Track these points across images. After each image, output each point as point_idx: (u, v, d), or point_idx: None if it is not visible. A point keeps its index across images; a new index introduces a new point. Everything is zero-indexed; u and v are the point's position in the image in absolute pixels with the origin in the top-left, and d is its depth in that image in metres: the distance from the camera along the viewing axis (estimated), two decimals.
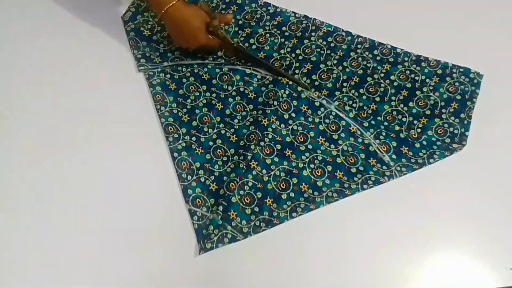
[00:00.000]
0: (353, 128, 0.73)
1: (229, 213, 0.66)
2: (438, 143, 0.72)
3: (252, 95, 0.77)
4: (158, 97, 0.76)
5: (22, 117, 0.75)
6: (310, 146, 0.72)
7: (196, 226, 0.65)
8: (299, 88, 0.76)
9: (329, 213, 0.68)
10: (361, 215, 0.68)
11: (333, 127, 0.73)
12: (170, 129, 0.73)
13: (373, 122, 0.74)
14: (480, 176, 0.70)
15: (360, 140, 0.72)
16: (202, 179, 0.69)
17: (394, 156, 0.71)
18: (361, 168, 0.70)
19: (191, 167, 0.70)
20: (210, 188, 0.69)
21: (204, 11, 0.76)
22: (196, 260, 0.64)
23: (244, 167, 0.69)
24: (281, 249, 0.65)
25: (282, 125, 0.73)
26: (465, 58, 0.78)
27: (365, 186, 0.69)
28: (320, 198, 0.67)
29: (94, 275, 0.63)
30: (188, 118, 0.75)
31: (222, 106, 0.76)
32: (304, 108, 0.75)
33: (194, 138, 0.73)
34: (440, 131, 0.73)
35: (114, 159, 0.71)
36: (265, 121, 0.73)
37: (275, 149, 0.71)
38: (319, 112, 0.74)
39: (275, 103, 0.74)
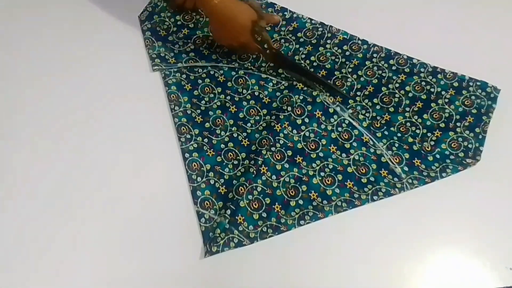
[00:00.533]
0: (365, 138, 0.72)
1: (236, 217, 0.65)
2: (452, 157, 0.71)
3: (266, 99, 0.76)
4: (173, 96, 0.76)
5: (34, 115, 0.76)
6: (321, 154, 0.71)
7: (203, 229, 0.65)
8: (314, 93, 0.75)
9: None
10: (361, 215, 0.68)
11: (345, 135, 0.73)
12: (183, 129, 0.73)
13: (386, 132, 0.73)
14: (481, 177, 0.70)
15: (372, 150, 0.72)
16: (212, 181, 0.69)
17: (406, 168, 0.70)
18: (372, 179, 0.69)
19: (202, 168, 0.70)
20: (219, 191, 0.68)
21: (253, 8, 0.74)
22: (202, 262, 0.64)
23: (254, 171, 0.69)
24: (288, 254, 0.65)
25: (294, 131, 0.73)
26: (483, 71, 0.77)
27: (375, 197, 0.68)
28: (329, 207, 0.67)
29: (96, 273, 0.64)
30: (202, 120, 0.74)
31: (236, 109, 0.76)
32: (318, 113, 0.74)
33: (206, 140, 0.73)
34: (454, 145, 0.72)
35: (125, 158, 0.72)
36: (277, 127, 0.72)
37: (286, 155, 0.71)
38: (332, 120, 0.74)
39: (289, 108, 0.74)
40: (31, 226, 0.66)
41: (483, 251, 0.65)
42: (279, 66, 0.78)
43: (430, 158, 0.71)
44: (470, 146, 0.72)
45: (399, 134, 0.73)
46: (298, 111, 0.74)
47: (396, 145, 0.72)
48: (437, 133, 0.73)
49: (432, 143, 0.72)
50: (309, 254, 0.65)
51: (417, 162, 0.70)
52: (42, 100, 0.77)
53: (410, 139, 0.73)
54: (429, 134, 0.73)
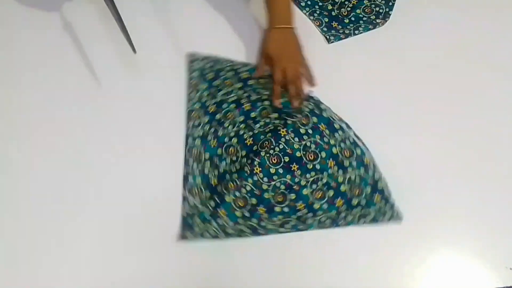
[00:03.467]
0: (367, 160, 0.71)
1: (218, 210, 0.66)
2: (364, 19, 0.83)
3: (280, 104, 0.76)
4: (193, 81, 0.78)
5: (35, 114, 0.76)
6: (318, 166, 0.70)
7: (185, 214, 0.67)
8: (323, 106, 0.74)
9: None
10: None
11: (347, 153, 0.71)
12: (194, 114, 0.74)
13: None
14: (480, 176, 0.70)
15: (370, 173, 0.70)
16: (206, 171, 0.70)
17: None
18: (363, 202, 0.68)
19: (200, 156, 0.71)
20: (210, 182, 0.69)
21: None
22: (177, 246, 0.66)
23: (248, 171, 0.69)
24: (275, 250, 0.67)
25: (296, 139, 0.72)
26: None
27: (361, 221, 0.66)
28: (312, 220, 0.66)
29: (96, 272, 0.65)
30: (214, 110, 0.76)
31: (249, 108, 0.76)
32: (322, 127, 0.73)
33: (212, 130, 0.74)
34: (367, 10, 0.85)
35: (124, 156, 0.73)
36: (283, 131, 0.72)
37: (282, 160, 0.71)
38: (336, 135, 0.73)
39: (298, 115, 0.73)
40: (31, 226, 0.67)
41: (483, 251, 0.66)
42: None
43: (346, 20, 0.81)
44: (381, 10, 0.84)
45: None
46: (305, 120, 0.73)
47: None
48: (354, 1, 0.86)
49: (349, 9, 0.83)
50: (304, 254, 0.65)
51: None
52: (41, 97, 0.77)
53: None
54: (346, 3, 0.86)
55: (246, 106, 0.76)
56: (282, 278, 0.64)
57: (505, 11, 0.86)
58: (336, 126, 0.73)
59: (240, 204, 0.67)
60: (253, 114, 0.76)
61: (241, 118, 0.75)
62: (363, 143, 0.72)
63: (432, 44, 0.83)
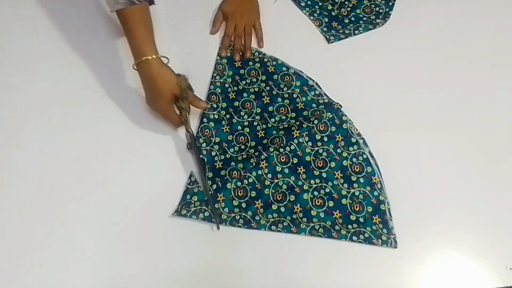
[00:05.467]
0: (375, 179, 0.69)
1: (218, 195, 0.67)
2: (364, 18, 0.85)
3: (301, 105, 0.76)
4: (220, 67, 0.79)
5: (35, 113, 0.74)
6: (324, 175, 0.70)
7: (185, 188, 0.68)
8: (344, 118, 0.74)
9: None
10: None
11: (357, 168, 0.70)
12: (213, 98, 0.76)
13: None
14: (481, 176, 0.70)
15: (376, 193, 0.68)
16: (213, 153, 0.71)
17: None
18: (361, 220, 0.67)
19: (211, 138, 0.72)
20: (215, 163, 0.70)
21: (179, 85, 0.68)
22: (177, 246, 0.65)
23: (254, 163, 0.69)
24: (272, 245, 0.66)
25: (310, 143, 0.72)
26: None
27: (354, 238, 0.65)
28: (305, 225, 0.66)
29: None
30: (234, 97, 0.77)
31: (268, 101, 0.76)
32: (339, 137, 0.72)
33: (228, 116, 0.75)
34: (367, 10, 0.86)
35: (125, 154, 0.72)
36: (296, 133, 0.72)
37: (290, 161, 0.71)
38: (351, 149, 0.72)
39: (316, 121, 0.73)
40: (31, 226, 0.65)
41: (483, 251, 0.65)
42: (190, 147, 0.72)
43: (346, 20, 0.83)
44: (381, 10, 0.85)
45: None
46: (322, 127, 0.73)
47: None
48: (354, 1, 0.88)
49: (349, 9, 0.85)
50: (304, 254, 0.65)
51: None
52: (41, 98, 0.75)
53: None
54: (346, 3, 0.88)
55: (266, 99, 0.77)
56: (283, 278, 0.63)
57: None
58: (353, 140, 0.72)
59: (239, 194, 0.68)
60: (270, 108, 0.76)
61: (258, 110, 0.76)
62: (376, 163, 0.71)
63: (432, 43, 0.83)
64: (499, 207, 0.68)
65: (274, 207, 0.67)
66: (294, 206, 0.67)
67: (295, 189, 0.69)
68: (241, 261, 0.64)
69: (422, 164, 0.71)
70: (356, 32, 0.83)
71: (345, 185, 0.69)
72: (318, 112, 0.74)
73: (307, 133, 0.72)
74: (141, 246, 0.64)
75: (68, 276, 0.62)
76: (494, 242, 0.66)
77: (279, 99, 0.77)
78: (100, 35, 0.81)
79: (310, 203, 0.68)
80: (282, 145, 0.71)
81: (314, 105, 0.76)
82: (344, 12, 0.87)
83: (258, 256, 0.64)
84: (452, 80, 0.79)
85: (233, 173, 0.69)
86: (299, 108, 0.76)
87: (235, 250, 0.65)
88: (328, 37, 0.83)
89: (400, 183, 0.69)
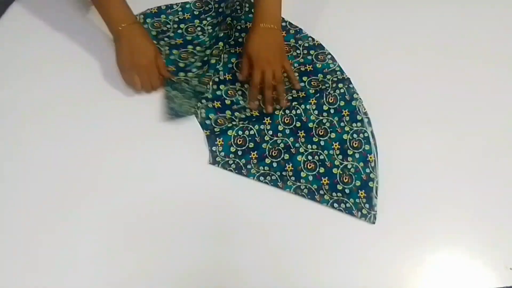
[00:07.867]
0: (371, 158, 0.71)
1: (217, 139, 0.71)
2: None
3: (310, 68, 0.80)
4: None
5: (36, 113, 0.73)
6: (322, 143, 0.72)
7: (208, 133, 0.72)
8: (355, 96, 0.75)
9: (328, 210, 0.68)
10: None
11: (355, 144, 0.72)
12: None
13: None
14: (481, 176, 0.70)
15: (368, 170, 0.70)
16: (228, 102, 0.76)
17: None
18: (347, 191, 0.68)
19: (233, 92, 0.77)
20: (225, 102, 0.75)
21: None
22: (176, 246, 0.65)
23: (255, 118, 0.73)
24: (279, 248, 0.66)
25: (316, 112, 0.74)
26: None
27: (335, 205, 0.67)
28: (292, 183, 0.68)
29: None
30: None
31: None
32: (345, 112, 0.74)
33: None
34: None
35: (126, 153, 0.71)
36: (301, 93, 0.76)
37: (294, 123, 0.73)
38: (354, 125, 0.73)
39: (328, 92, 0.76)
40: (31, 226, 0.64)
41: (483, 251, 0.65)
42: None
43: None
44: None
45: None
46: (332, 99, 0.75)
47: None
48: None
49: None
50: (304, 254, 0.65)
51: None
52: (41, 97, 0.74)
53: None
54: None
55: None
56: (282, 277, 0.63)
57: None
58: (359, 117, 0.74)
59: (238, 142, 0.71)
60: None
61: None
62: (375, 143, 0.72)
63: (431, 44, 0.84)
64: (499, 207, 0.68)
65: (268, 161, 0.70)
66: (287, 164, 0.70)
67: (291, 149, 0.71)
68: (241, 261, 0.64)
69: (424, 162, 0.72)
70: None
71: (340, 157, 0.71)
72: (330, 82, 0.77)
73: (315, 101, 0.75)
74: (141, 246, 0.64)
75: (68, 276, 0.61)
76: (494, 242, 0.66)
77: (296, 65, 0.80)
78: (100, 35, 0.80)
79: (301, 165, 0.70)
80: (290, 106, 0.74)
81: (328, 75, 0.79)
82: None
83: (258, 255, 0.64)
84: (453, 79, 0.80)
85: (235, 123, 0.73)
86: (309, 70, 0.79)
87: (235, 250, 0.65)
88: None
89: (400, 182, 0.70)
